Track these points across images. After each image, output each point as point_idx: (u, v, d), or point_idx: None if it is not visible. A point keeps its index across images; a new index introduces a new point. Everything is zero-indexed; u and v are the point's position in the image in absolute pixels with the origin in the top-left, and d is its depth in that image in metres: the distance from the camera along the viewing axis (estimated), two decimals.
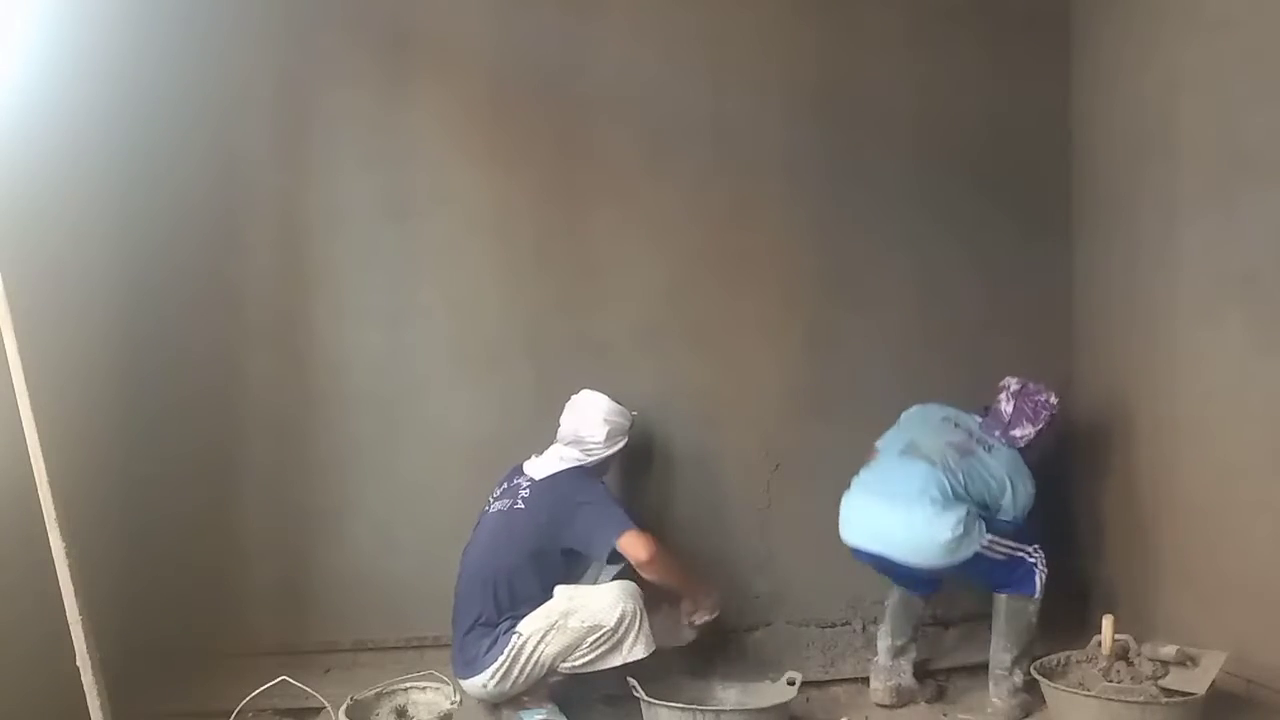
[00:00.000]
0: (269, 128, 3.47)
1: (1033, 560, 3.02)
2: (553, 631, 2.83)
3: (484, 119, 3.53)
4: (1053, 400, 3.19)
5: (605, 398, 3.21)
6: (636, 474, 3.55)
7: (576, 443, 3.14)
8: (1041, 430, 3.16)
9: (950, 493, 2.93)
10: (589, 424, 3.15)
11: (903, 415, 3.28)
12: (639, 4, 3.63)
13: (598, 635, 2.82)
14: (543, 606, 2.88)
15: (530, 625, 2.85)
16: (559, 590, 2.90)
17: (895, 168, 3.68)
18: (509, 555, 2.95)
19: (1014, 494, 3.05)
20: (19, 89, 2.70)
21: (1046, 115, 3.77)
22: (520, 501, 3.02)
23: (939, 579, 3.13)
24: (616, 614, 2.82)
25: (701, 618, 3.11)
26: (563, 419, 3.22)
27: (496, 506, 3.08)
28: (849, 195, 3.67)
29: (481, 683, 2.87)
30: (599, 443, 3.13)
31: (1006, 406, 3.19)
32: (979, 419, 3.21)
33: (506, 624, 2.88)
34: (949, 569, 2.96)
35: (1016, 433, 3.15)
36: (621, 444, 3.20)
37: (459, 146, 3.52)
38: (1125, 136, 3.45)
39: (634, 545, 2.89)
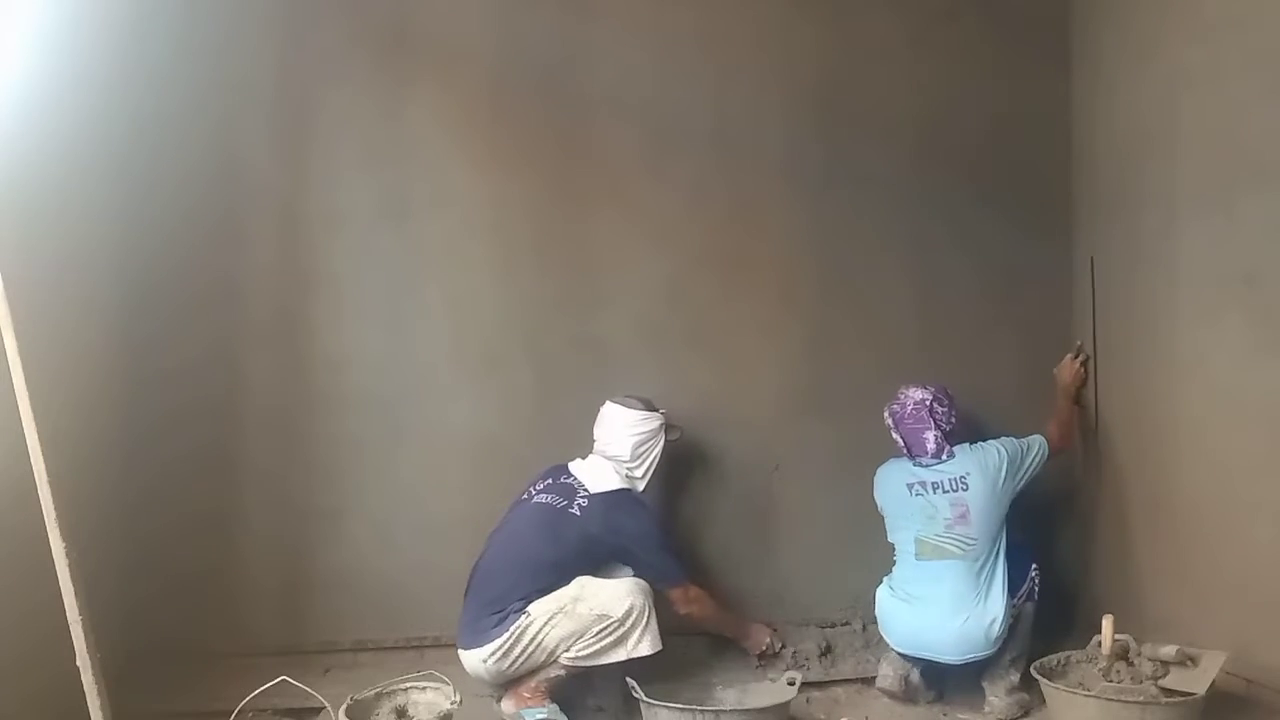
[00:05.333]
0: (269, 128, 3.47)
1: (1033, 578, 3.12)
2: (560, 615, 2.87)
3: (484, 119, 3.54)
4: (916, 396, 3.23)
5: (628, 411, 3.22)
6: None
7: (611, 459, 3.20)
8: (944, 416, 3.21)
9: (982, 576, 3.03)
10: (615, 442, 3.20)
11: (878, 494, 3.31)
12: (639, 4, 3.63)
13: (604, 625, 2.85)
14: (555, 592, 2.92)
15: (540, 607, 2.90)
16: (575, 580, 2.96)
17: (895, 168, 3.68)
18: (555, 550, 3.00)
19: (1012, 476, 3.14)
20: (19, 89, 2.69)
21: (1046, 115, 3.77)
22: (576, 508, 3.07)
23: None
24: (625, 606, 2.86)
25: (760, 651, 3.32)
26: (595, 430, 3.27)
27: (543, 499, 3.12)
28: (849, 196, 3.67)
29: (481, 657, 2.90)
30: (625, 460, 3.18)
31: (902, 438, 3.25)
32: (919, 462, 3.21)
33: (519, 604, 2.91)
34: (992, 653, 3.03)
35: (931, 444, 3.18)
36: (658, 448, 3.24)
37: (459, 147, 3.53)
38: (1125, 136, 3.44)
39: (677, 600, 3.11)
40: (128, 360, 3.28)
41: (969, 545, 3.05)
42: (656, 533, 3.14)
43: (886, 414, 3.29)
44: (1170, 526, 3.18)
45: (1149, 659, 2.71)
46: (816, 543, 3.63)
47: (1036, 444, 3.25)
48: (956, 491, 3.11)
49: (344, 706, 2.44)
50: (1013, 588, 3.06)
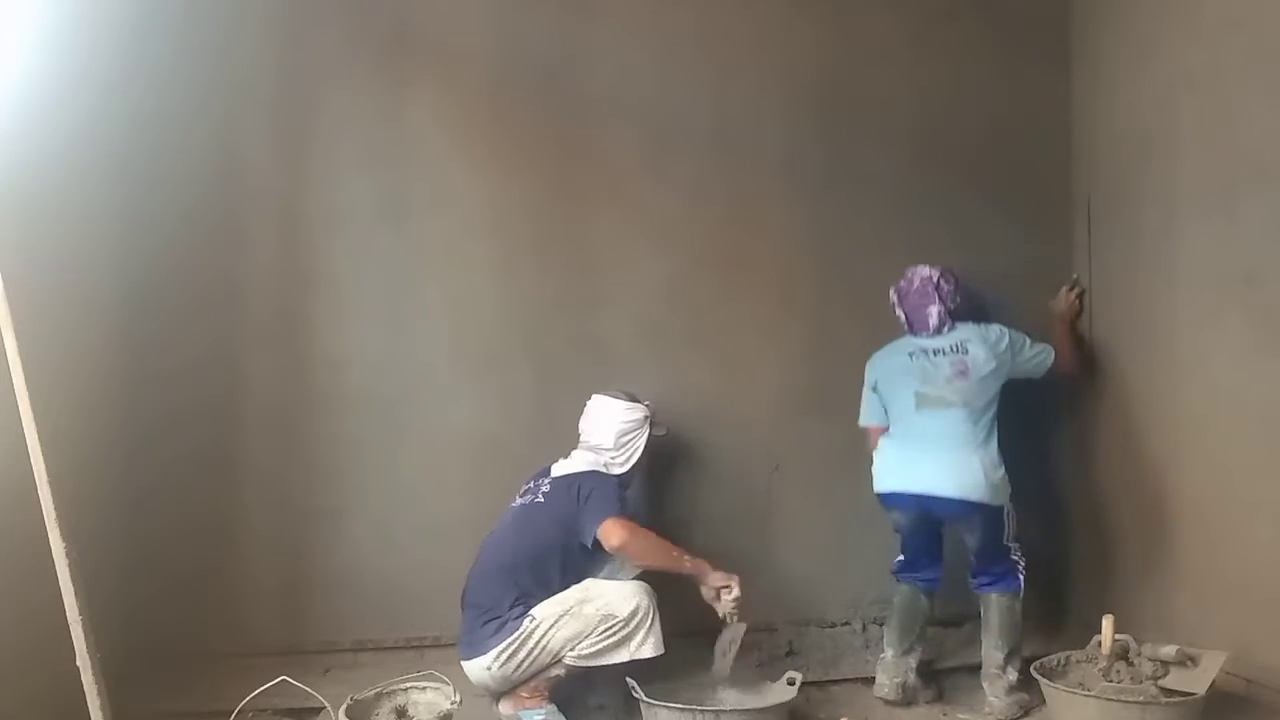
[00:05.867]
0: (269, 128, 3.47)
1: (1016, 557, 3.11)
2: (565, 617, 2.88)
3: (484, 119, 3.54)
4: (923, 273, 3.28)
5: (614, 401, 3.24)
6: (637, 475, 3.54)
7: (593, 449, 3.20)
8: (949, 294, 3.26)
9: (981, 424, 3.08)
10: (599, 432, 3.21)
11: (874, 370, 3.35)
12: (639, 4, 3.63)
13: (609, 625, 2.85)
14: (559, 594, 2.92)
15: (544, 610, 2.90)
16: (580, 584, 2.95)
17: (895, 168, 3.68)
18: (530, 545, 3.00)
19: (1013, 354, 3.19)
20: (20, 89, 2.70)
21: (1046, 115, 3.77)
22: (541, 496, 3.09)
23: (942, 553, 3.21)
24: (630, 606, 2.86)
25: (724, 605, 2.98)
26: (580, 423, 3.28)
27: (520, 501, 3.15)
28: (849, 196, 3.67)
29: (485, 664, 2.89)
30: (608, 448, 3.18)
31: (905, 313, 3.30)
32: (921, 336, 3.27)
33: (519, 609, 2.91)
34: (984, 511, 3.03)
35: (934, 319, 3.24)
36: (642, 439, 3.22)
37: (459, 147, 3.53)
38: (1125, 137, 3.45)
39: (607, 531, 2.89)
40: (128, 360, 3.28)
41: (968, 396, 3.10)
42: (609, 487, 3.04)
43: (892, 291, 3.34)
44: (1170, 526, 3.19)
45: (1149, 659, 2.72)
46: (816, 543, 3.63)
47: (1043, 346, 3.30)
48: (957, 354, 3.17)
49: (344, 706, 2.44)
50: (1002, 581, 3.08)
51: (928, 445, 3.09)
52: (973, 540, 3.11)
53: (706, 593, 3.00)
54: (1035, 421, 3.71)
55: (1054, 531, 3.71)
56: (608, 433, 3.19)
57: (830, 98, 3.68)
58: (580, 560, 3.02)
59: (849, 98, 3.69)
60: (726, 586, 2.98)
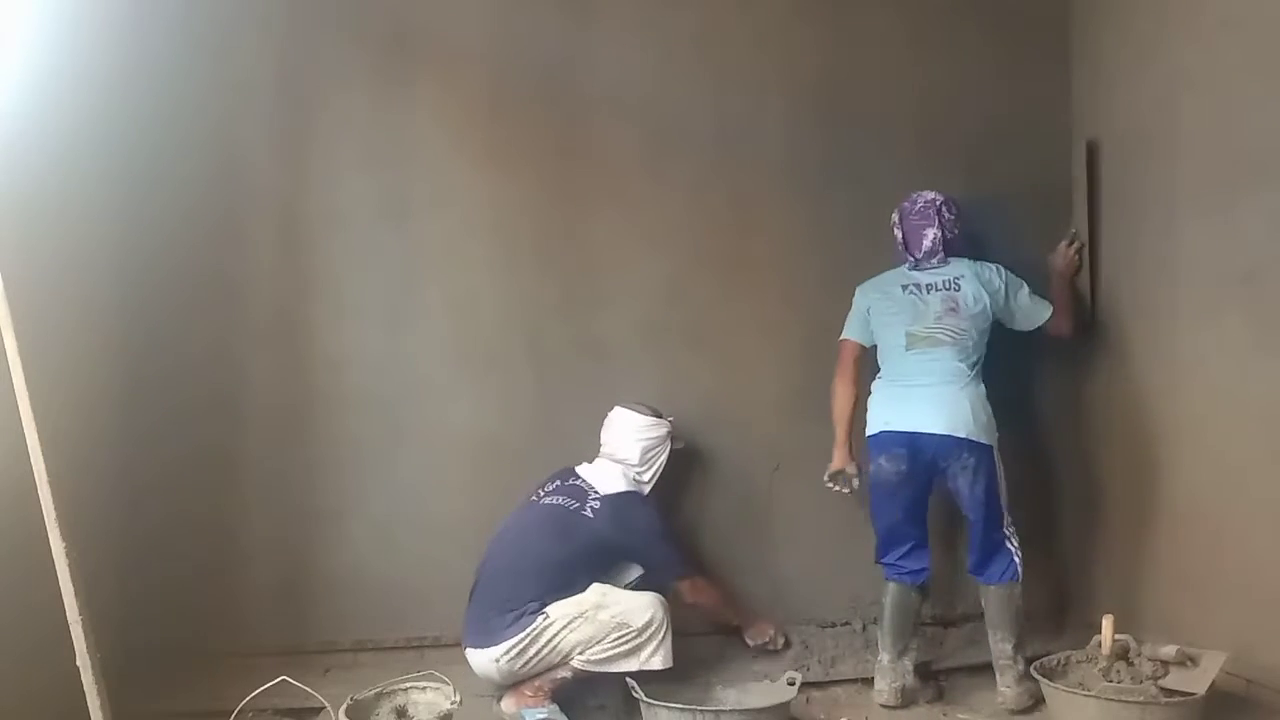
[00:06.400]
0: (269, 129, 3.47)
1: (1010, 531, 3.09)
2: (580, 620, 2.90)
3: (484, 119, 3.54)
4: (927, 196, 3.29)
5: (636, 414, 3.28)
6: None
7: (619, 462, 3.25)
8: (950, 222, 3.27)
9: (970, 362, 3.13)
10: (623, 445, 3.25)
11: (864, 297, 3.34)
12: (638, 5, 3.63)
13: (623, 633, 2.89)
14: (575, 596, 2.95)
15: (559, 610, 2.92)
16: (594, 586, 2.99)
17: (895, 168, 3.67)
18: (563, 549, 3.03)
19: (1008, 296, 3.22)
20: (20, 90, 2.70)
21: (1046, 115, 3.77)
22: (589, 510, 3.12)
23: (926, 533, 3.19)
24: (646, 617, 2.91)
25: (759, 640, 3.40)
26: (602, 434, 3.31)
27: (553, 500, 3.16)
28: (849, 195, 3.67)
29: (494, 656, 2.91)
30: (635, 463, 3.24)
31: (903, 234, 3.31)
32: (911, 262, 3.29)
33: (534, 605, 2.93)
34: (975, 452, 3.02)
35: (929, 241, 3.25)
36: (664, 454, 3.31)
37: (459, 147, 3.53)
38: (1125, 136, 3.45)
39: (686, 589, 3.23)
40: (128, 360, 3.27)
41: (959, 334, 3.12)
42: (662, 529, 3.22)
43: (894, 212, 3.35)
44: (1170, 526, 3.19)
45: (1149, 659, 2.72)
46: (816, 543, 3.63)
47: (1041, 298, 3.31)
48: (948, 290, 3.19)
49: (344, 706, 2.44)
50: (996, 563, 3.07)
51: (917, 385, 3.12)
52: (965, 492, 3.05)
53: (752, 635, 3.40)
54: (1035, 421, 3.72)
55: (1054, 531, 3.71)
56: (632, 448, 3.24)
57: (830, 97, 3.68)
58: (610, 575, 3.08)
59: (849, 97, 3.69)
60: (771, 639, 3.40)
